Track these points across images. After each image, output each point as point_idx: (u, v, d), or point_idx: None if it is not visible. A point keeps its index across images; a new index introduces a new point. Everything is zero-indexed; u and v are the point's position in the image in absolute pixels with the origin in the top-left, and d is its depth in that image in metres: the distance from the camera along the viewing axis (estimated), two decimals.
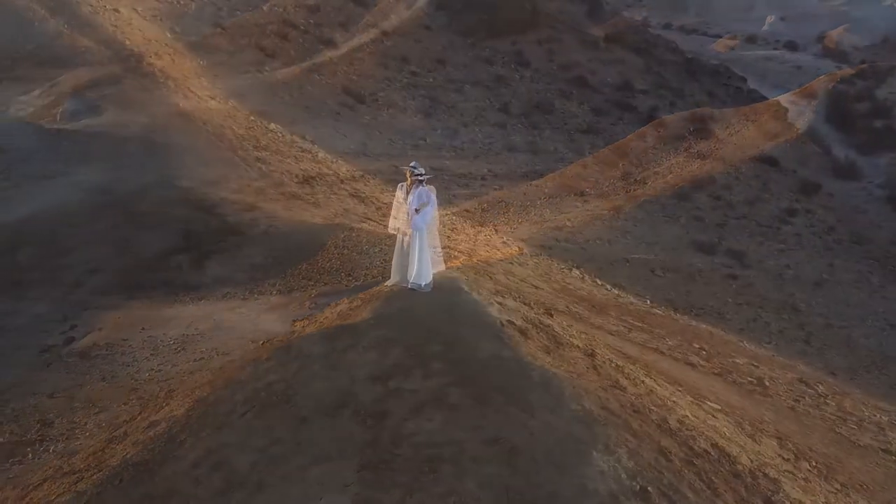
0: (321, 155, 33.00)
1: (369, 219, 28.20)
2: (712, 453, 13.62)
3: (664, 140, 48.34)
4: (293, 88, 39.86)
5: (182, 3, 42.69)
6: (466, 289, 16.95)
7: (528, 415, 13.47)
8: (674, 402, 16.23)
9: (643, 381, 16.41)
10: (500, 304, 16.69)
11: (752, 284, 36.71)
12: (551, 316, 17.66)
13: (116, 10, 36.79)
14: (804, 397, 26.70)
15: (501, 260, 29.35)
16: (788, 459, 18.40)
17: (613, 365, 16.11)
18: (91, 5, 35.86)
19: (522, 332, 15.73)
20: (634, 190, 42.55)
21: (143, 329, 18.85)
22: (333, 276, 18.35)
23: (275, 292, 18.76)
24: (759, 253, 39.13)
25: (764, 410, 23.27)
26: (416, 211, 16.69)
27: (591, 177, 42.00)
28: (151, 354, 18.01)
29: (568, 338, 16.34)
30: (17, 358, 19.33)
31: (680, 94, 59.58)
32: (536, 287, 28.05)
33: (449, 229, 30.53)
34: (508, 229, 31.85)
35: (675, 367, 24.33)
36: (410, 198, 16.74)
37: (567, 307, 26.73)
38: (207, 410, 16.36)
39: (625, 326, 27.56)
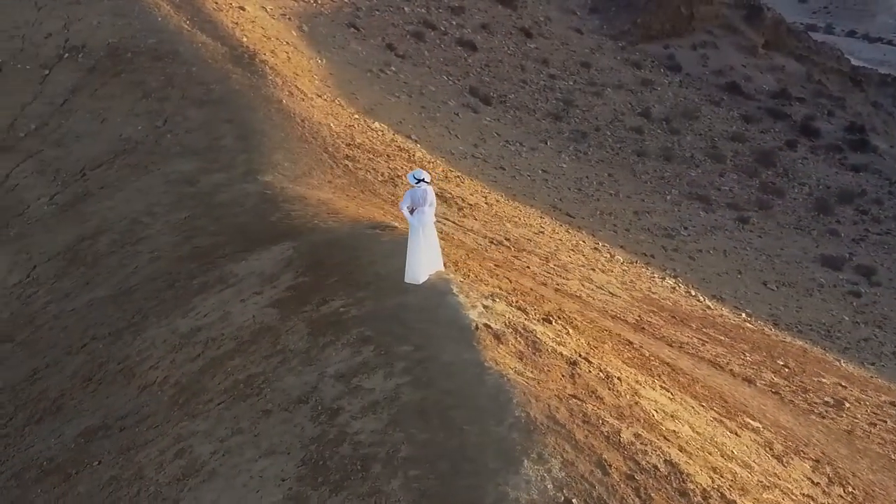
0: (418, 154, 33.18)
1: (447, 219, 28.16)
2: (661, 469, 13.14)
3: (816, 150, 46.15)
4: (413, 89, 40.21)
5: (319, 2, 43.75)
6: (455, 290, 17.06)
7: (469, 419, 13.46)
8: (665, 415, 15.75)
9: (635, 393, 15.84)
10: (485, 307, 16.64)
11: (875, 303, 34.65)
12: (549, 323, 17.25)
13: (242, 8, 38.08)
14: (885, 421, 25.16)
15: (582, 265, 28.79)
16: (818, 483, 17.71)
17: (600, 375, 15.81)
18: (216, 2, 37.27)
19: (497, 336, 15.68)
20: (769, 200, 40.79)
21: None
22: (358, 276, 18.50)
23: (291, 285, 19.11)
24: (893, 271, 36.84)
25: (815, 432, 22.23)
26: (411, 211, 17.47)
27: (724, 185, 40.55)
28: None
29: (554, 345, 16.10)
30: None
31: (841, 103, 56.79)
32: (613, 294, 27.42)
33: (534, 232, 30.19)
34: (611, 234, 31.07)
35: (727, 382, 23.39)
36: (403, 198, 17.60)
37: (639, 317, 26.03)
38: (189, 399, 16.91)
39: (700, 339, 26.61)
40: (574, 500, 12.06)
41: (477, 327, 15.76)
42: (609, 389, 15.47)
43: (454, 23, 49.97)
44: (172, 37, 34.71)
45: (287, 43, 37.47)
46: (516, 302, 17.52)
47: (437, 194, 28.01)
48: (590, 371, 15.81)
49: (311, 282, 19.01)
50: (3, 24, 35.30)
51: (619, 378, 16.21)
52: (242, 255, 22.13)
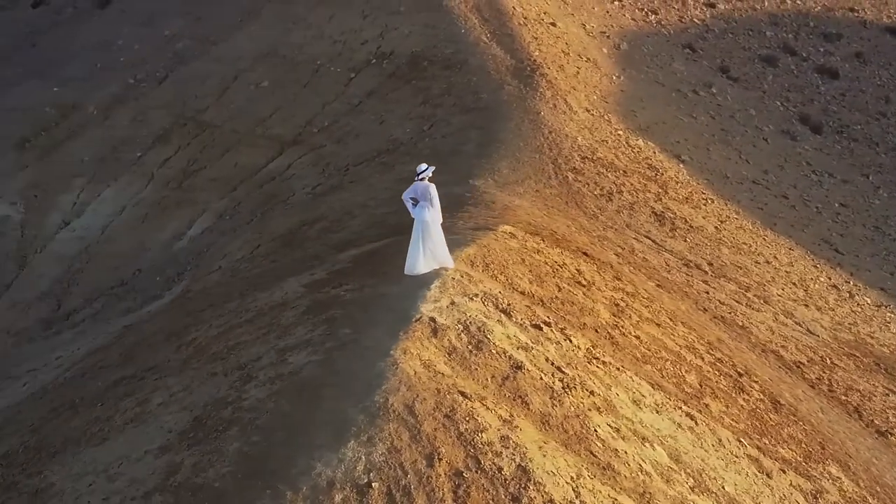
0: (670, 174, 32.50)
1: (647, 236, 27.82)
2: (505, 473, 12.96)
3: None
4: (725, 110, 39.02)
5: (662, 22, 43.74)
6: (435, 284, 17.75)
7: (335, 398, 14.18)
8: (604, 421, 15.29)
9: (588, 410, 15.62)
10: (453, 303, 17.04)
11: None
12: (539, 329, 17.34)
13: (553, 24, 39.20)
14: None
15: (793, 300, 27.05)
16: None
17: (549, 383, 15.63)
18: (525, 17, 38.81)
19: (436, 330, 16.05)
20: None
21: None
22: (387, 266, 19.91)
23: (338, 270, 20.59)
24: None
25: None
26: (413, 204, 18.41)
27: None
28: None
29: (509, 348, 16.13)
30: None
31: None
32: (809, 332, 25.81)
33: (756, 261, 28.84)
34: (882, 276, 28.67)
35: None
36: (406, 191, 18.55)
37: (822, 357, 24.56)
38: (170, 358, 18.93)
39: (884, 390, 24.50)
40: (375, 484, 12.39)
41: (419, 319, 16.24)
42: (545, 395, 15.29)
43: (821, 49, 47.15)
44: (468, 48, 36.88)
45: (587, 59, 38.11)
46: (507, 305, 17.54)
47: (657, 212, 27.85)
48: (534, 377, 15.61)
49: (352, 269, 20.32)
50: (332, 31, 39.52)
51: (573, 388, 15.84)
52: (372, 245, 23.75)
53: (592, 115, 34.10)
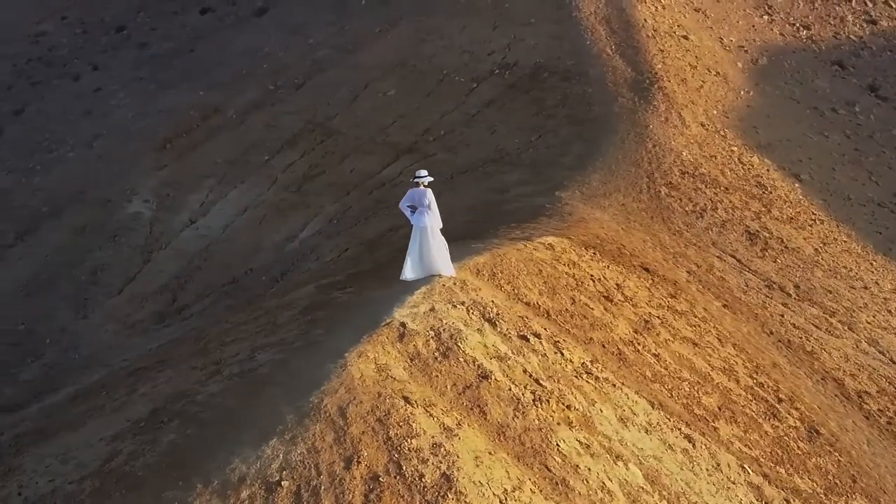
0: (779, 192, 31.28)
1: (733, 255, 27.09)
2: (427, 480, 12.98)
3: None
4: (866, 130, 37.10)
5: (813, 38, 42.10)
6: (420, 290, 17.86)
7: (277, 396, 14.56)
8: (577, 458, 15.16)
9: (553, 424, 15.61)
10: (431, 309, 17.04)
11: None
12: (526, 340, 17.21)
13: (685, 37, 38.31)
14: None
15: (883, 328, 25.80)
16: None
17: (508, 395, 15.48)
18: (654, 29, 38.11)
19: (403, 335, 16.15)
20: None
21: None
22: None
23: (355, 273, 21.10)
24: None
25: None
26: (412, 211, 18.47)
27: None
28: None
29: (479, 357, 16.08)
30: None
31: None
32: (890, 362, 24.49)
33: (853, 286, 27.61)
34: None
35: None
36: (404, 198, 18.62)
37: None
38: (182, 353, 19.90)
39: None
40: (285, 483, 12.63)
41: (389, 323, 16.36)
42: (508, 406, 15.17)
43: None
44: (590, 59, 36.60)
45: (716, 73, 37.06)
46: (495, 314, 17.51)
47: (750, 231, 27.12)
48: (501, 388, 15.53)
49: (366, 273, 20.76)
50: (462, 41, 39.95)
51: (545, 401, 15.66)
52: None
53: (707, 129, 33.22)
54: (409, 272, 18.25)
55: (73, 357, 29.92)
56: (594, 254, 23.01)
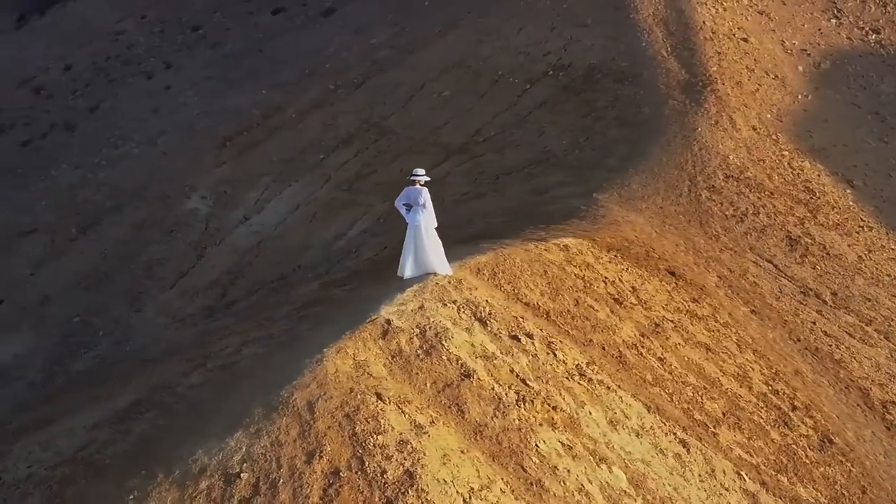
0: (827, 198, 30.56)
1: (770, 260, 26.72)
2: (389, 477, 13.06)
3: None
4: None
5: (882, 42, 41.06)
6: (411, 288, 17.99)
7: (252, 389, 14.84)
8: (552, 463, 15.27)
9: (529, 429, 15.66)
10: (420, 307, 17.10)
11: None
12: (517, 340, 17.21)
13: (745, 40, 37.60)
14: None
15: None
16: None
17: (496, 391, 15.53)
18: (713, 31, 37.52)
19: (386, 332, 16.26)
20: None
21: None
22: None
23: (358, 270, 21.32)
24: None
25: None
26: (407, 209, 18.59)
27: None
28: None
29: (461, 355, 16.09)
30: None
31: None
32: None
33: None
34: None
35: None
36: (399, 197, 18.75)
37: None
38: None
39: None
40: (244, 475, 12.85)
41: (374, 320, 16.46)
42: (489, 405, 15.21)
43: None
44: (644, 61, 36.27)
45: (774, 76, 36.33)
46: (487, 314, 17.50)
47: (792, 236, 26.78)
48: (483, 387, 15.53)
49: (366, 270, 20.97)
50: (518, 42, 39.83)
51: (529, 401, 15.64)
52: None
53: (758, 133, 32.69)
54: (406, 270, 18.36)
55: (124, 349, 30.74)
56: (615, 256, 22.87)
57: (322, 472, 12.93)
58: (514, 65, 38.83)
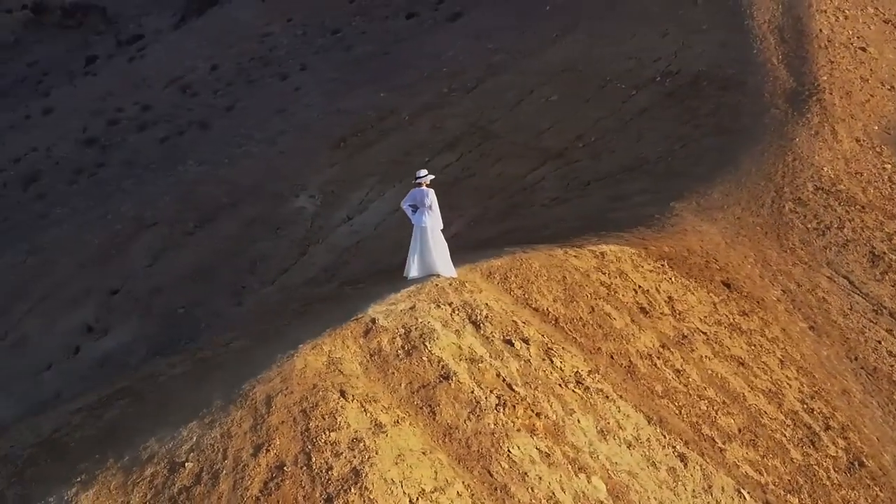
0: None
1: (845, 278, 25.96)
2: (334, 473, 13.09)
3: None
4: None
5: None
6: (407, 288, 18.01)
7: (220, 381, 15.03)
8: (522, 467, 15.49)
9: (504, 435, 15.69)
10: (410, 307, 17.04)
11: None
12: (511, 344, 17.03)
13: (863, 49, 36.11)
14: None
15: None
16: None
17: (475, 395, 15.45)
18: (829, 40, 36.14)
19: (368, 330, 16.26)
20: None
21: None
22: None
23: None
24: None
25: None
26: (413, 210, 18.68)
27: None
28: None
29: (443, 357, 16.02)
30: None
31: None
32: None
33: None
34: None
35: None
36: (405, 198, 18.83)
37: None
38: None
39: None
40: (189, 464, 13.05)
41: (359, 318, 16.50)
42: (464, 408, 15.15)
43: None
44: (753, 69, 35.39)
45: (889, 88, 34.58)
46: (484, 317, 17.26)
47: (876, 252, 26.07)
48: (462, 389, 15.44)
49: (389, 272, 21.30)
50: (630, 48, 39.33)
51: (510, 406, 15.53)
52: None
53: (861, 145, 31.47)
54: (412, 271, 18.45)
55: None
56: (662, 265, 22.57)
57: (267, 465, 13.02)
58: (622, 70, 38.51)
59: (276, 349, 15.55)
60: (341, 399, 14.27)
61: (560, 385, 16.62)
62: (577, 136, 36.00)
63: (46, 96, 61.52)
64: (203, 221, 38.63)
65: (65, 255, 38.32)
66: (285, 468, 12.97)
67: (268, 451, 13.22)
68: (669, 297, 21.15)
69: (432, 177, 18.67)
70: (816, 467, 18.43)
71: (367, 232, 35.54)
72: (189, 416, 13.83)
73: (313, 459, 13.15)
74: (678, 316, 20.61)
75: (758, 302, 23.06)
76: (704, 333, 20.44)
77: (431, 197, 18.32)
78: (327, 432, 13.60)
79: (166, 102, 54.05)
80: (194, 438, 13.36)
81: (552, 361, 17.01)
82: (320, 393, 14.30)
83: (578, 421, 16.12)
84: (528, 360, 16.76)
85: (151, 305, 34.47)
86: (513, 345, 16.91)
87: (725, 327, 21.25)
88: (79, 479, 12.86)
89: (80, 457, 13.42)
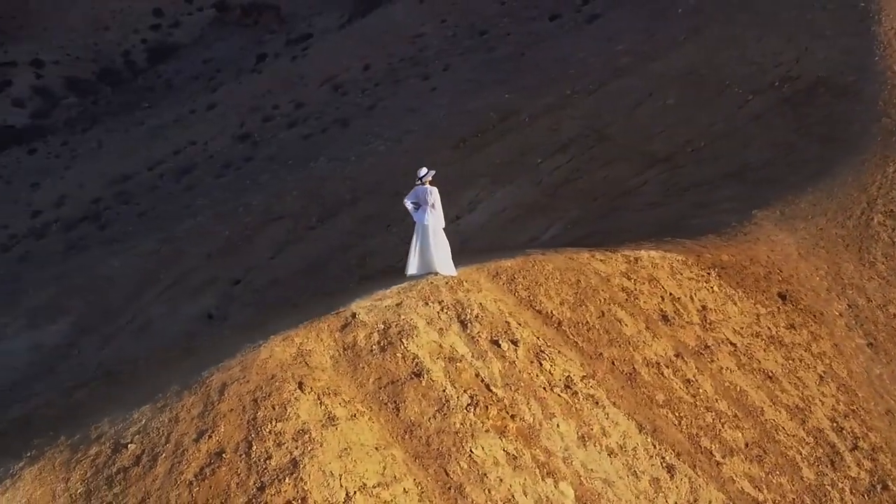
0: None
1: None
2: (272, 464, 13.23)
3: None
4: None
5: None
6: (401, 285, 18.05)
7: (190, 369, 15.32)
8: (489, 470, 15.84)
9: (470, 434, 15.29)
10: (396, 304, 17.02)
11: None
12: (498, 346, 16.58)
13: None
14: None
15: None
16: None
17: (446, 393, 15.37)
18: None
19: (346, 325, 16.30)
20: None
21: None
22: None
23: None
24: None
25: None
26: (415, 207, 18.78)
27: None
28: None
29: (419, 354, 15.95)
30: None
31: None
32: None
33: None
34: None
35: None
36: (408, 195, 18.95)
37: None
38: None
39: None
40: (132, 446, 13.33)
41: (339, 313, 16.56)
42: (432, 406, 15.13)
43: None
44: (872, 76, 33.89)
45: None
46: (473, 316, 17.10)
47: None
48: (434, 388, 15.41)
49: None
50: (753, 52, 37.95)
51: (482, 406, 15.42)
52: None
53: None
54: (412, 268, 18.41)
55: None
56: (707, 273, 22.20)
57: (207, 451, 13.20)
58: (743, 74, 37.66)
59: (249, 339, 15.72)
60: (297, 391, 14.32)
61: (545, 388, 16.37)
62: (687, 140, 35.47)
63: (213, 92, 64.67)
64: (325, 217, 39.84)
65: (195, 245, 40.23)
66: (224, 455, 13.13)
67: (210, 437, 13.40)
68: (703, 306, 20.78)
69: (434, 171, 18.67)
70: (829, 487, 17.85)
71: (472, 231, 35.91)
72: (144, 400, 14.14)
73: (254, 448, 13.28)
74: (707, 325, 20.24)
75: (813, 315, 22.34)
76: (734, 344, 20.01)
77: (435, 195, 18.36)
78: (274, 422, 13.71)
79: (318, 101, 55.90)
80: (143, 421, 13.67)
81: (541, 364, 16.69)
82: (276, 383, 14.38)
83: (558, 425, 15.79)
84: (514, 362, 16.48)
85: (266, 297, 35.74)
86: (499, 346, 16.67)
87: (763, 339, 20.73)
88: (29, 455, 13.33)
89: (38, 432, 13.88)
